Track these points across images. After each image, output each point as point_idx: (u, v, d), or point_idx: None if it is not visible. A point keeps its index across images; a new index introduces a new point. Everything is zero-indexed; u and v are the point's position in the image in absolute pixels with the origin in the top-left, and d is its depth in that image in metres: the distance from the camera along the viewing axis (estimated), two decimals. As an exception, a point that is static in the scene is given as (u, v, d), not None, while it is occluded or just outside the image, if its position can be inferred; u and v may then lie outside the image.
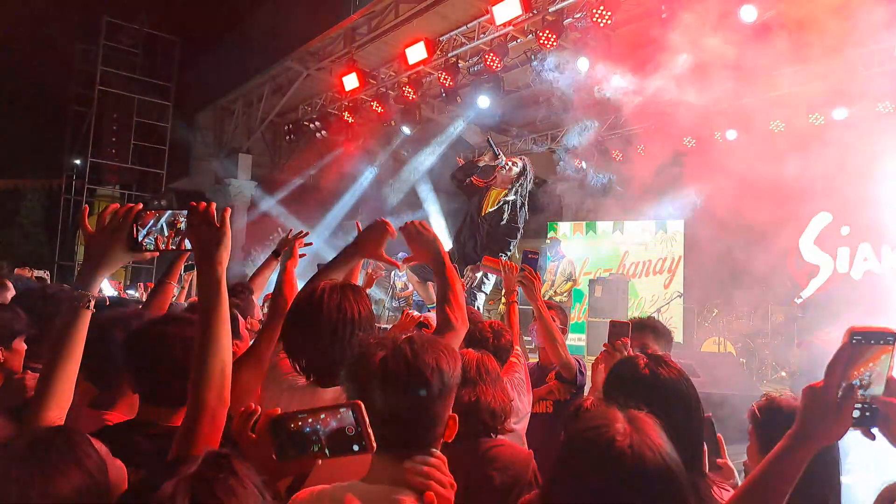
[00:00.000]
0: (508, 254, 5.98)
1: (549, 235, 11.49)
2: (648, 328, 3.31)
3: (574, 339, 10.06)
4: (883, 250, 9.00)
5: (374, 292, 11.38)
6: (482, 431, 2.10)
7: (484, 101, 9.59)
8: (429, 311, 5.76)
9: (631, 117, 9.59)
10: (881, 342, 1.10)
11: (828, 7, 5.31)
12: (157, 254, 1.57)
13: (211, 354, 1.37)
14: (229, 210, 1.49)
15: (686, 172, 9.28)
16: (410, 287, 12.05)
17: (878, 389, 1.11)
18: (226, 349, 1.40)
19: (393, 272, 11.77)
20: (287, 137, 13.19)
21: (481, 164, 6.10)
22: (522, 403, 2.94)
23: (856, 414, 1.12)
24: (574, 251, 11.28)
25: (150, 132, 15.29)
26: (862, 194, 7.61)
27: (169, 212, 1.53)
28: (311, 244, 3.16)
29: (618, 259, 11.21)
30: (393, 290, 11.92)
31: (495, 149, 5.94)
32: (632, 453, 1.11)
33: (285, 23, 11.63)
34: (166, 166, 15.39)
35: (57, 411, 1.40)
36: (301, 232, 3.18)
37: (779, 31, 6.26)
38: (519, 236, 6.03)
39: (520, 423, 2.83)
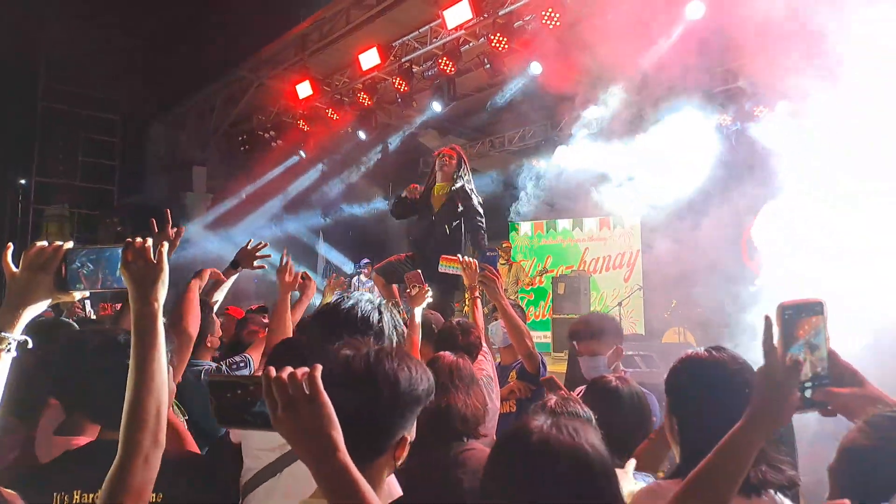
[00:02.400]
0: (485, 246, 5.92)
1: (509, 235, 11.61)
2: (588, 332, 3.32)
3: (539, 337, 10.19)
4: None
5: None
6: (453, 436, 2.12)
7: (437, 106, 9.63)
8: None
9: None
10: (811, 314, 1.11)
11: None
12: (87, 294, 1.49)
13: (145, 395, 1.30)
14: (166, 245, 1.43)
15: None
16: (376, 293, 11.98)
17: (820, 358, 1.12)
18: (161, 388, 1.33)
19: (356, 277, 11.68)
20: (242, 148, 12.98)
21: (410, 196, 6.06)
22: (492, 401, 2.96)
23: (808, 393, 1.12)
24: (535, 250, 11.46)
25: (99, 147, 14.84)
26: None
27: (101, 248, 1.45)
28: (268, 255, 3.15)
29: (578, 256, 11.40)
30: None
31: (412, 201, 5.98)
32: (540, 433, 1.16)
33: (236, 32, 11.45)
34: (117, 182, 14.97)
35: None
36: (260, 243, 3.17)
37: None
38: (483, 221, 5.94)
39: (491, 422, 2.86)
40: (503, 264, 10.45)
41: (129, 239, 1.41)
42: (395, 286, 6.13)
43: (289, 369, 1.07)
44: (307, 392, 1.06)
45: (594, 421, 1.92)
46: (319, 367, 1.08)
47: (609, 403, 2.21)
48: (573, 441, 1.15)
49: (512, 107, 9.65)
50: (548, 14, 7.17)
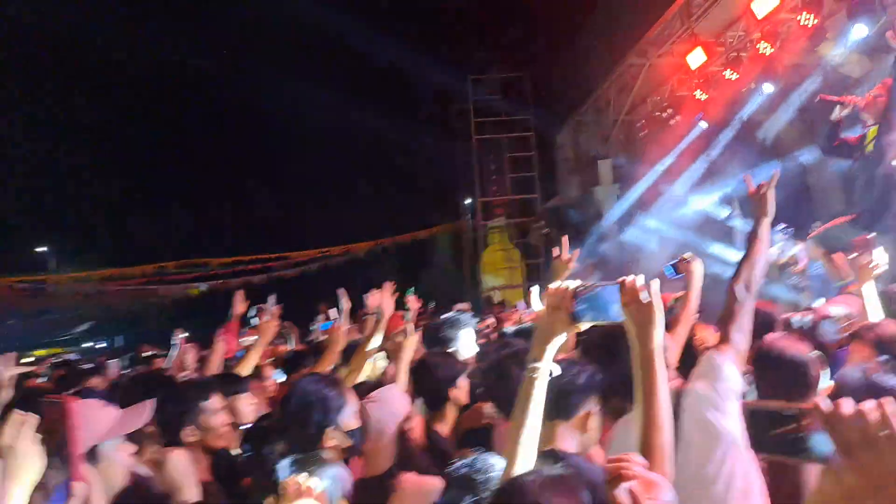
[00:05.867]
0: None
1: None
2: None
3: None
4: None
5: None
6: None
7: (861, 30, 7.98)
8: (839, 292, 4.78)
9: None
10: None
11: None
12: (592, 324, 1.69)
13: (654, 432, 1.50)
14: (651, 285, 1.59)
15: None
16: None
17: None
18: (665, 425, 1.53)
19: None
20: (641, 133, 13.16)
21: (841, 117, 5.20)
22: None
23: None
24: None
25: (520, 163, 17.16)
26: None
27: (600, 285, 1.65)
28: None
29: None
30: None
31: (836, 101, 5.08)
32: None
33: (619, 23, 11.76)
34: (539, 190, 16.99)
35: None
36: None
37: None
38: None
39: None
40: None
41: (622, 280, 1.62)
42: (839, 255, 5.36)
43: (847, 402, 0.96)
44: (887, 431, 0.92)
45: None
46: (893, 402, 0.94)
47: None
48: None
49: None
50: None
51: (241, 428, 2.83)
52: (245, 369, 3.65)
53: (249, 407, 3.05)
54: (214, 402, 2.71)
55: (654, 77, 11.97)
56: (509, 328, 5.36)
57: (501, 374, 2.32)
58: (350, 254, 19.91)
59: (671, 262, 3.21)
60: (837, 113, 5.30)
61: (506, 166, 17.22)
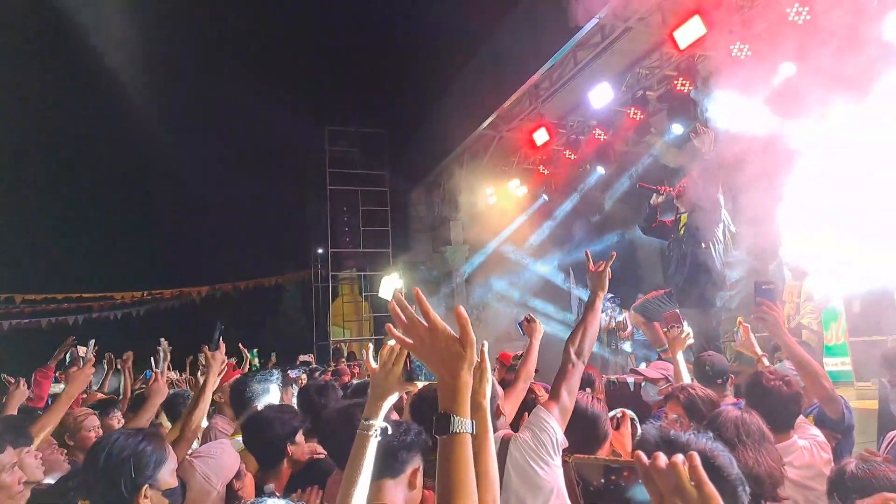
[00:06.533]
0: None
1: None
2: None
3: (836, 364, 8.84)
4: None
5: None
6: None
7: (678, 128, 9.27)
8: (658, 357, 5.41)
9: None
10: None
11: None
12: (428, 383, 1.68)
13: (484, 481, 1.48)
14: (486, 344, 1.61)
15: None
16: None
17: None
18: (491, 473, 1.54)
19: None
20: (490, 199, 13.91)
21: (658, 203, 5.95)
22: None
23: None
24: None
25: (374, 217, 17.23)
26: None
27: None
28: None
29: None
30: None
31: (654, 189, 5.88)
32: None
33: (475, 95, 12.49)
34: (391, 245, 17.15)
35: None
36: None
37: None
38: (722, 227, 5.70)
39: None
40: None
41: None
42: (657, 325, 5.91)
43: (661, 456, 1.03)
44: (693, 481, 1.00)
45: None
46: (697, 456, 1.02)
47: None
48: None
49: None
50: (794, 10, 6.55)
51: (32, 487, 2.43)
52: (48, 421, 3.17)
53: (35, 462, 2.63)
54: (7, 456, 2.32)
55: (503, 148, 12.80)
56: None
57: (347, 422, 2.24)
58: (183, 297, 18.54)
59: (519, 322, 3.46)
60: (655, 198, 5.98)
61: (359, 219, 17.23)
